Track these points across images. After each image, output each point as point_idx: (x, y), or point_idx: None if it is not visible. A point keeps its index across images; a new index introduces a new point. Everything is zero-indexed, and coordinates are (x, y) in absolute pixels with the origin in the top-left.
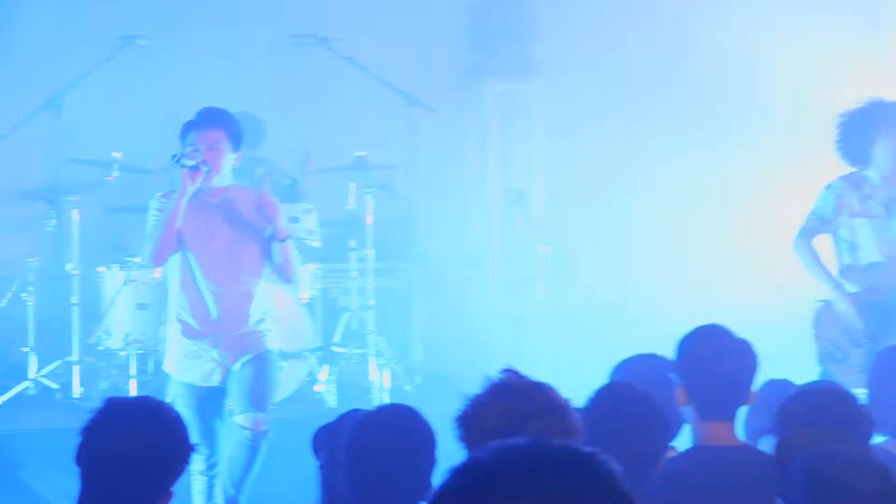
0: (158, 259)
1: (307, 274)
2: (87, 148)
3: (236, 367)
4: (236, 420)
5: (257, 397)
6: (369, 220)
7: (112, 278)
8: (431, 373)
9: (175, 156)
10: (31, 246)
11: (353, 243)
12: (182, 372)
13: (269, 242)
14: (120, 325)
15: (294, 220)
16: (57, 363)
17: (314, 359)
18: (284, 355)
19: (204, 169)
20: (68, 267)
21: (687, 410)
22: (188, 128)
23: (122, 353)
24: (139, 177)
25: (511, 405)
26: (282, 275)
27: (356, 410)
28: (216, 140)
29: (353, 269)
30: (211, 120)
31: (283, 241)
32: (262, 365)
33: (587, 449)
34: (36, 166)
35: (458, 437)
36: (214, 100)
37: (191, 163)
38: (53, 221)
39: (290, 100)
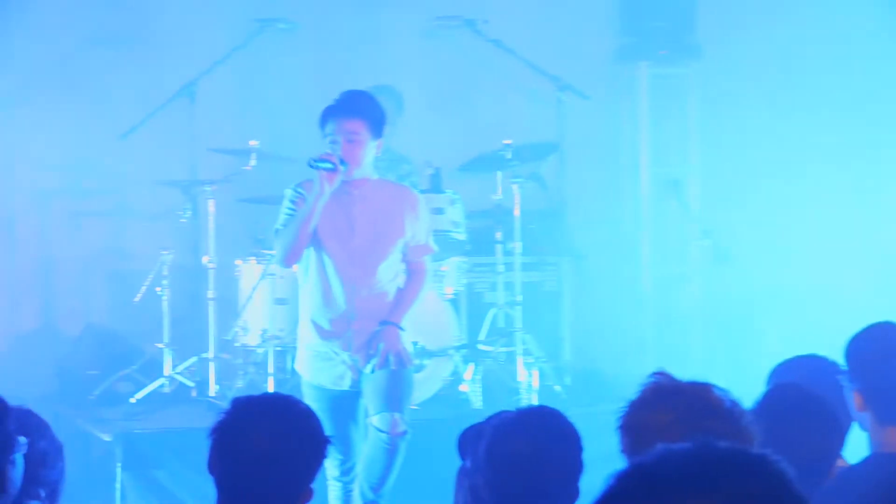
0: (290, 260)
1: (452, 268)
2: (223, 136)
3: (367, 368)
4: (372, 421)
5: (393, 397)
6: (517, 211)
7: (249, 272)
8: (581, 372)
9: (310, 161)
10: (166, 238)
11: (499, 236)
12: (312, 374)
13: (408, 246)
14: (257, 321)
15: (438, 211)
16: (192, 360)
17: (459, 357)
18: (427, 353)
19: (342, 168)
20: (204, 260)
21: (862, 416)
22: (326, 116)
23: (260, 350)
24: (277, 166)
25: (679, 408)
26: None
27: (503, 412)
28: (355, 130)
29: (499, 263)
30: (350, 109)
31: (423, 247)
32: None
33: (758, 451)
34: (170, 155)
35: (620, 447)
36: (356, 86)
37: (327, 165)
38: (189, 213)
39: (434, 84)
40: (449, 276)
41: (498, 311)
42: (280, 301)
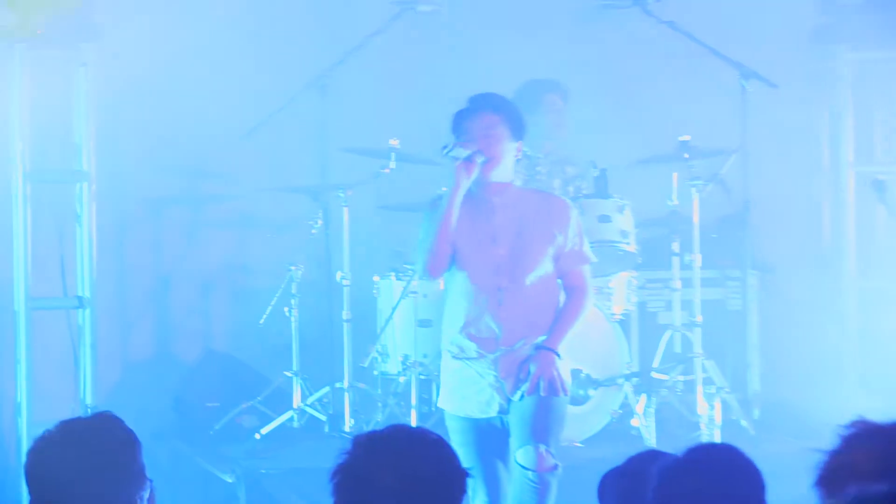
0: (433, 270)
1: (620, 284)
2: (358, 135)
3: (516, 396)
4: (516, 457)
5: (540, 428)
6: (696, 218)
7: (389, 289)
8: (772, 404)
9: (445, 146)
10: (295, 251)
11: (676, 247)
12: (458, 404)
13: (560, 256)
14: (398, 345)
15: (604, 219)
16: (325, 390)
17: (629, 387)
18: (592, 383)
19: (479, 160)
20: (338, 276)
21: None
22: (459, 118)
23: (401, 379)
24: (420, 168)
25: (883, 456)
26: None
27: (656, 453)
28: (491, 125)
29: (675, 278)
30: (484, 103)
31: (578, 254)
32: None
33: None
34: (299, 157)
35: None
36: (506, 75)
37: (464, 153)
38: (320, 222)
39: (597, 75)
40: (617, 293)
41: (674, 334)
42: (424, 323)
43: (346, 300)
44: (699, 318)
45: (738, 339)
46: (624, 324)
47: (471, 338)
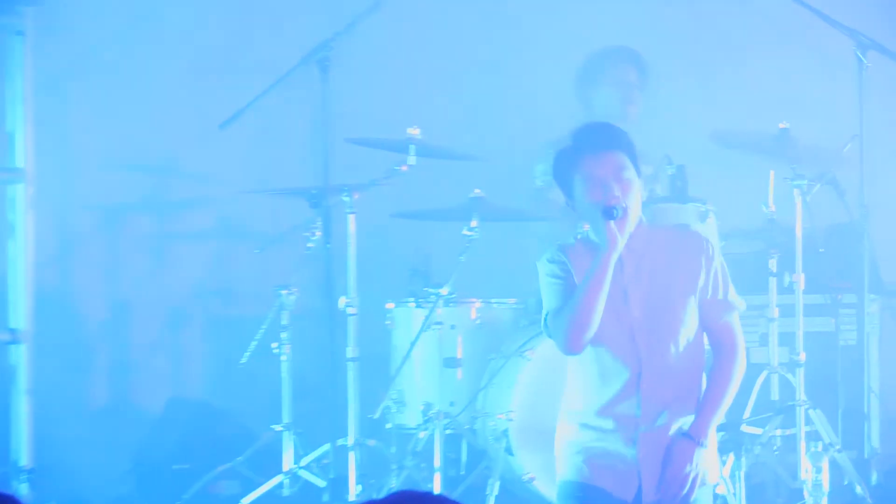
0: (576, 346)
1: None
2: (368, 122)
3: (650, 496)
4: None
5: None
6: (799, 229)
7: (406, 319)
8: None
9: (606, 209)
10: (286, 271)
11: (773, 265)
12: (591, 473)
13: (702, 306)
14: (418, 391)
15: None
16: (324, 448)
17: None
18: None
19: (620, 213)
20: (342, 303)
21: None
22: (574, 155)
23: (421, 434)
24: (447, 165)
25: None
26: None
27: None
28: (621, 167)
29: (773, 304)
30: (608, 140)
31: (722, 303)
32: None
33: None
34: (293, 151)
35: None
36: (564, 44)
37: (618, 214)
38: (318, 233)
39: (678, 44)
40: None
41: (771, 376)
42: (451, 362)
43: (352, 333)
44: (802, 356)
45: (853, 382)
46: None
47: (605, 413)
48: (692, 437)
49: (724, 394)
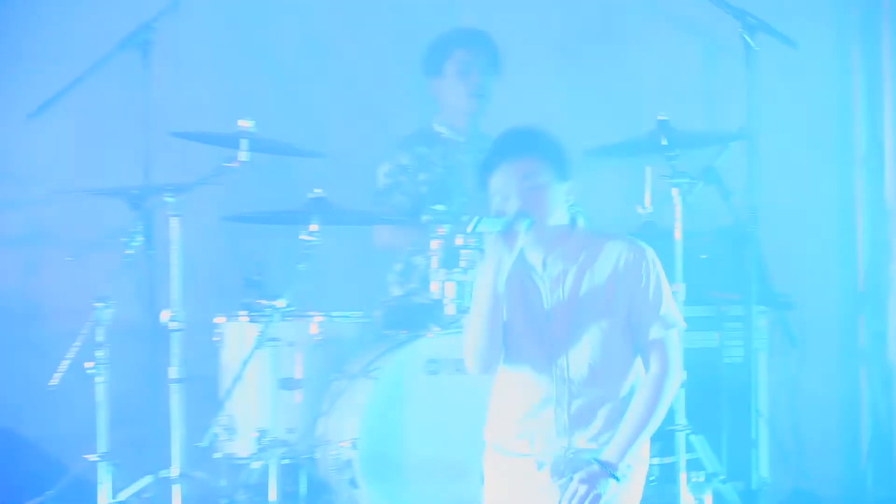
0: (486, 368)
1: None
2: (195, 114)
3: None
4: None
5: None
6: (678, 233)
7: (238, 336)
8: (787, 497)
9: (470, 223)
10: (101, 282)
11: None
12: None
13: (634, 322)
14: (251, 416)
15: None
16: (145, 481)
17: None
18: None
19: (522, 226)
20: (165, 316)
21: None
22: (486, 167)
23: (255, 465)
24: (286, 163)
25: None
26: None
27: None
28: (530, 173)
29: None
30: (512, 146)
31: (658, 319)
32: None
33: None
34: (110, 145)
35: None
36: (406, 30)
37: (494, 227)
38: (140, 239)
39: (545, 28)
40: None
41: None
42: (288, 384)
43: (177, 351)
44: (683, 376)
45: (739, 404)
46: None
47: (522, 435)
48: (603, 464)
49: (646, 419)
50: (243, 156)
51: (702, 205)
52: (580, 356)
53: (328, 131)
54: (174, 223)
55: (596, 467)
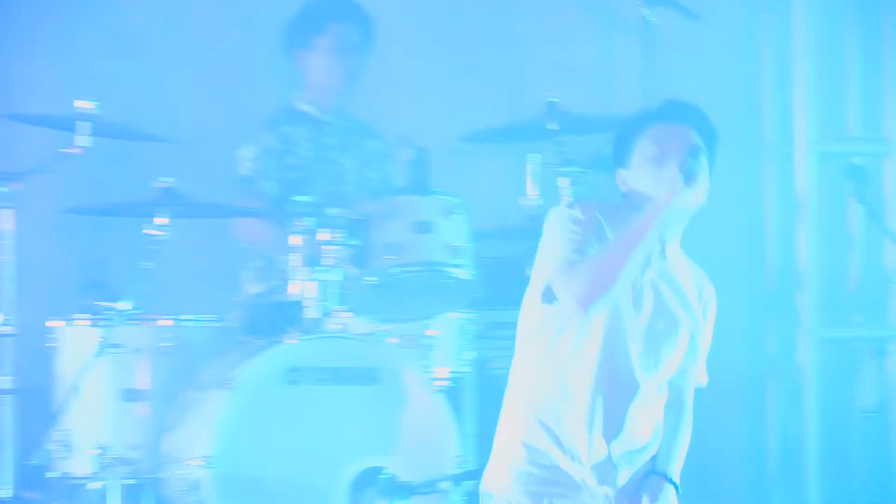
0: (592, 300)
1: (448, 332)
2: (29, 94)
3: None
4: None
5: None
6: None
7: (76, 341)
8: None
9: (685, 162)
10: None
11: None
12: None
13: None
14: (90, 431)
15: (422, 227)
16: None
17: (459, 495)
18: (403, 488)
19: (688, 193)
20: None
21: None
22: (653, 117)
23: (94, 485)
24: (131, 149)
25: None
26: None
27: None
28: (698, 150)
29: None
30: (698, 118)
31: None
32: None
33: None
34: None
35: None
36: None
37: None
38: None
39: (439, 13)
40: (442, 346)
41: None
42: (132, 395)
43: (8, 359)
44: None
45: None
46: (453, 393)
47: (560, 438)
48: (662, 474)
49: (685, 430)
50: (83, 140)
51: (593, 196)
52: (656, 360)
53: (178, 113)
54: (6, 216)
55: (663, 482)
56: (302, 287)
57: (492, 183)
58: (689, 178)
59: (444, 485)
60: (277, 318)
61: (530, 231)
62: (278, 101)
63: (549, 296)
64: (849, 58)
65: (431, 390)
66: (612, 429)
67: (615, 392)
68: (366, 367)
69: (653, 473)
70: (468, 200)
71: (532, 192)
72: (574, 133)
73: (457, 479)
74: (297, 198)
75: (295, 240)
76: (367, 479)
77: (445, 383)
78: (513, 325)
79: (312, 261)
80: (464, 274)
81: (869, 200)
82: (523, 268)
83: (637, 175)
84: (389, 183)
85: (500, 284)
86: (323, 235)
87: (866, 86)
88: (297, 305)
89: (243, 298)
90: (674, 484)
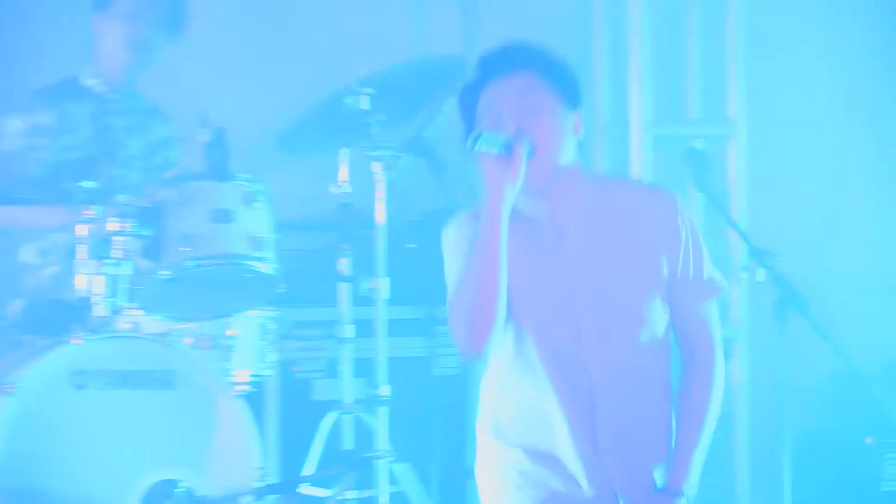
0: (478, 343)
1: (249, 332)
2: None
3: None
4: None
5: None
6: (380, 215)
7: None
8: None
9: (471, 137)
10: None
11: (345, 265)
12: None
13: (672, 291)
14: None
15: (222, 216)
16: None
17: None
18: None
19: (524, 146)
20: None
21: None
22: (472, 90)
23: None
24: None
25: None
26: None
27: None
28: (529, 90)
29: (346, 321)
30: (510, 59)
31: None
32: None
33: None
34: None
35: None
36: None
37: (496, 143)
38: None
39: None
40: (242, 347)
41: (343, 417)
42: None
43: None
44: (385, 390)
45: (453, 425)
46: (254, 399)
47: (545, 443)
48: (674, 491)
49: (706, 421)
50: None
51: (410, 183)
52: (610, 338)
53: None
54: None
55: (667, 499)
56: (88, 282)
57: (298, 168)
58: (493, 153)
59: (245, 499)
60: (61, 315)
61: (340, 221)
62: (60, 71)
63: None
64: (689, 37)
65: (231, 396)
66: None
67: (575, 395)
68: (159, 370)
69: (661, 491)
70: (272, 187)
71: (342, 178)
72: (388, 113)
73: (259, 494)
74: (82, 183)
75: (80, 230)
76: (161, 493)
77: (246, 388)
78: (320, 324)
79: (100, 253)
80: (266, 268)
81: (710, 187)
82: (332, 261)
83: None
84: (177, 172)
85: (307, 280)
86: (112, 225)
87: (707, 66)
88: (83, 302)
89: (23, 293)
90: (684, 498)
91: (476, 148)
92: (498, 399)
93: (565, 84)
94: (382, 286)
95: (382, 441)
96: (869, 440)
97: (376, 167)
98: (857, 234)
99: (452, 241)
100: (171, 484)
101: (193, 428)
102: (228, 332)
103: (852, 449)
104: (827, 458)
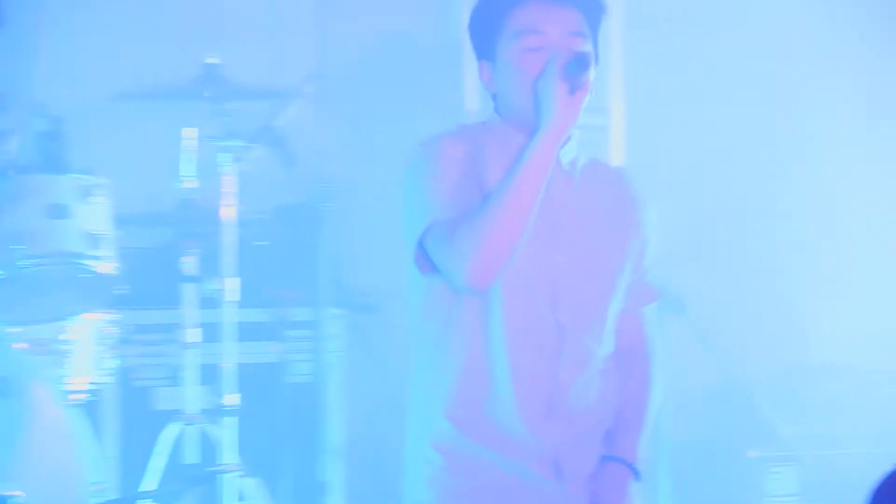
0: (488, 277)
1: (85, 336)
2: None
3: None
4: None
5: None
6: (227, 211)
7: None
8: None
9: (571, 63)
10: None
11: (189, 264)
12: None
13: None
14: None
15: (58, 211)
16: None
17: None
18: None
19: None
20: None
21: None
22: (510, 3)
23: None
24: None
25: None
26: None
27: None
28: (579, 29)
29: (189, 325)
30: None
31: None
32: None
33: None
34: None
35: None
36: None
37: (581, 77)
38: None
39: None
40: (78, 353)
41: (186, 428)
42: None
43: None
44: (233, 399)
45: (306, 437)
46: (92, 408)
47: (494, 410)
48: (622, 460)
49: (649, 405)
50: None
51: (259, 176)
52: (582, 300)
53: None
54: None
55: (623, 470)
56: None
57: (140, 159)
58: (574, 86)
59: None
60: None
61: (185, 217)
62: None
63: (424, 265)
64: None
65: (66, 405)
66: (549, 404)
67: (538, 357)
68: None
69: (607, 459)
70: (111, 180)
71: (186, 170)
72: (236, 100)
73: None
74: None
75: None
76: None
77: (83, 397)
78: (163, 328)
79: None
80: (105, 267)
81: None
82: (177, 260)
83: (507, 76)
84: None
85: (150, 280)
86: None
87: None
88: None
89: None
90: (635, 471)
91: (566, 70)
92: (445, 362)
93: (597, 39)
94: (231, 287)
95: (230, 454)
96: (752, 453)
97: (224, 158)
98: (743, 234)
99: (447, 156)
100: (0, 500)
101: (23, 439)
102: (63, 336)
103: (734, 462)
104: (707, 470)
